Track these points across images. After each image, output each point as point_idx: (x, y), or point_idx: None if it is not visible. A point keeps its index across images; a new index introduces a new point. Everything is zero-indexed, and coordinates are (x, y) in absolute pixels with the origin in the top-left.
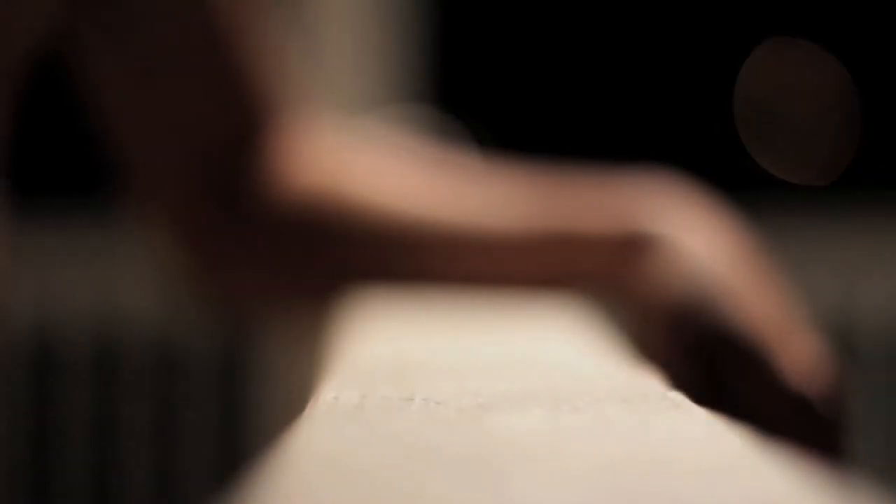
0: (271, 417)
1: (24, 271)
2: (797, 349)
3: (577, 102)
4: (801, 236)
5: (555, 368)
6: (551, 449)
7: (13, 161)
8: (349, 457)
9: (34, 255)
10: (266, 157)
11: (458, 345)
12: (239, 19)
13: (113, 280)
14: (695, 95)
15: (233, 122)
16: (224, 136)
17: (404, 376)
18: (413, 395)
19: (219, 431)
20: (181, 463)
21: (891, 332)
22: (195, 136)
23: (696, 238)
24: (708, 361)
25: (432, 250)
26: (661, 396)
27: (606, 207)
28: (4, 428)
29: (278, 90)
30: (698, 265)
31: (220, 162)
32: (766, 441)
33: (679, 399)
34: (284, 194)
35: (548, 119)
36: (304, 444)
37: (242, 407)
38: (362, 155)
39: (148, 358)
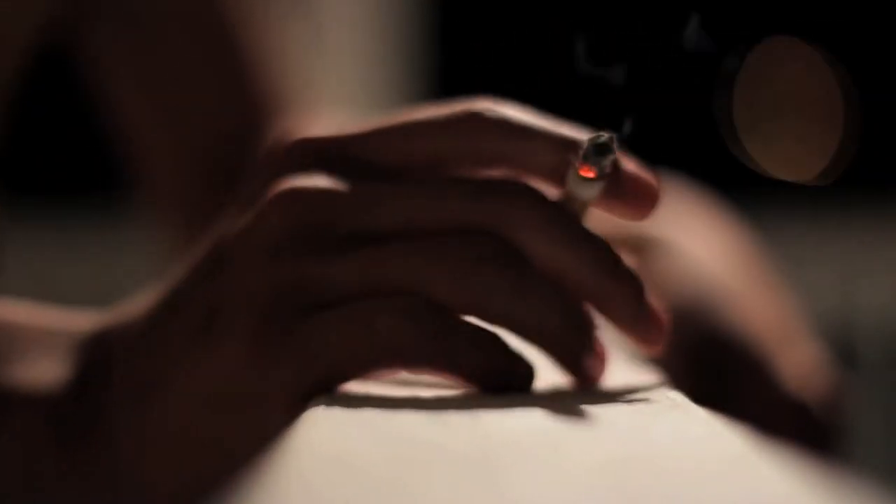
0: None
1: (24, 271)
2: (796, 354)
3: (578, 102)
4: (801, 236)
5: (554, 368)
6: (551, 449)
7: (14, 160)
8: (349, 457)
9: (34, 254)
10: None
11: None
12: (245, 15)
13: (115, 278)
14: (694, 95)
15: (239, 118)
16: (230, 133)
17: (404, 376)
18: (413, 394)
19: None
20: None
21: (891, 332)
22: (201, 133)
23: (695, 240)
24: (706, 365)
25: None
26: (661, 396)
27: None
28: None
29: (284, 87)
30: (698, 268)
31: (226, 159)
32: (767, 443)
33: (679, 399)
34: None
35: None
36: (304, 444)
37: None
38: None
39: None
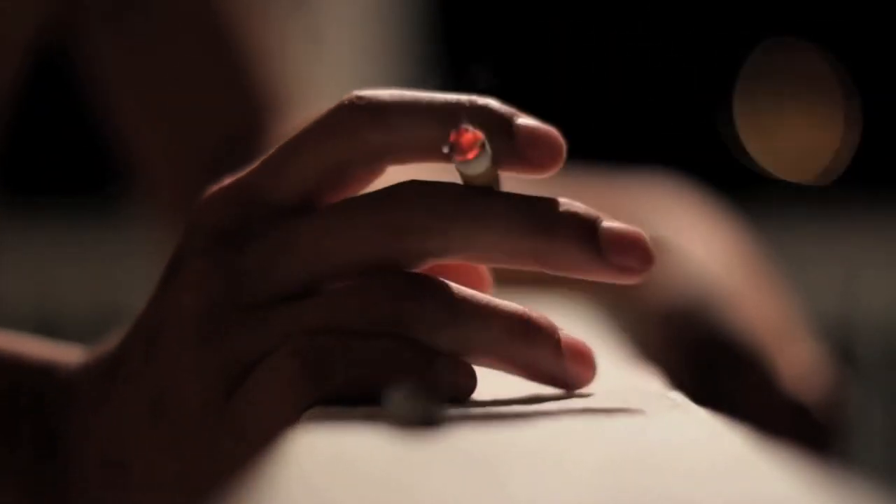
0: None
1: (24, 270)
2: (795, 353)
3: (578, 102)
4: (801, 236)
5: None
6: (551, 449)
7: (14, 160)
8: (349, 457)
9: (34, 253)
10: None
11: None
12: (244, 15)
13: (115, 278)
14: (694, 95)
15: (239, 118)
16: (230, 132)
17: None
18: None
19: None
20: None
21: (891, 332)
22: (200, 133)
23: (695, 240)
24: (705, 365)
25: None
26: (661, 396)
27: (605, 209)
28: None
29: (283, 86)
30: (697, 268)
31: (226, 158)
32: (766, 443)
33: (679, 399)
34: None
35: (548, 118)
36: (304, 443)
37: None
38: None
39: None
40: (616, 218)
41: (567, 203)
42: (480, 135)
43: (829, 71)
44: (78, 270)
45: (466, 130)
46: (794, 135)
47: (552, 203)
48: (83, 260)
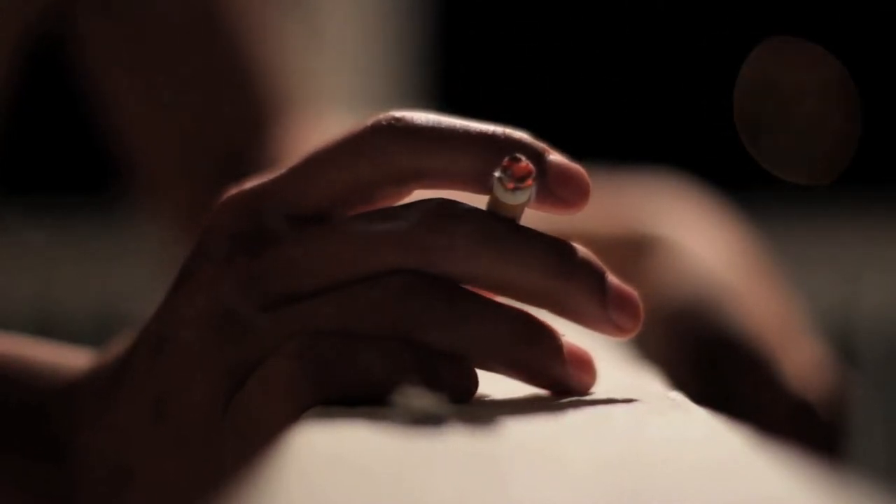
0: None
1: (24, 269)
2: (798, 353)
3: (579, 102)
4: (801, 236)
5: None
6: (551, 449)
7: (14, 160)
8: (349, 457)
9: (35, 253)
10: (273, 154)
11: None
12: (244, 16)
13: (115, 278)
14: (695, 95)
15: (240, 118)
16: (232, 133)
17: None
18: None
19: None
20: None
21: (891, 332)
22: (202, 133)
23: (698, 239)
24: (708, 364)
25: None
26: (661, 396)
27: (608, 208)
28: None
29: (284, 87)
30: (700, 267)
31: (228, 158)
32: (767, 443)
33: (679, 399)
34: None
35: (549, 118)
36: (304, 443)
37: None
38: None
39: None
40: (619, 217)
41: (584, 251)
42: (532, 167)
43: (829, 71)
44: (78, 270)
45: (520, 160)
46: (794, 135)
47: (571, 248)
48: (83, 260)
